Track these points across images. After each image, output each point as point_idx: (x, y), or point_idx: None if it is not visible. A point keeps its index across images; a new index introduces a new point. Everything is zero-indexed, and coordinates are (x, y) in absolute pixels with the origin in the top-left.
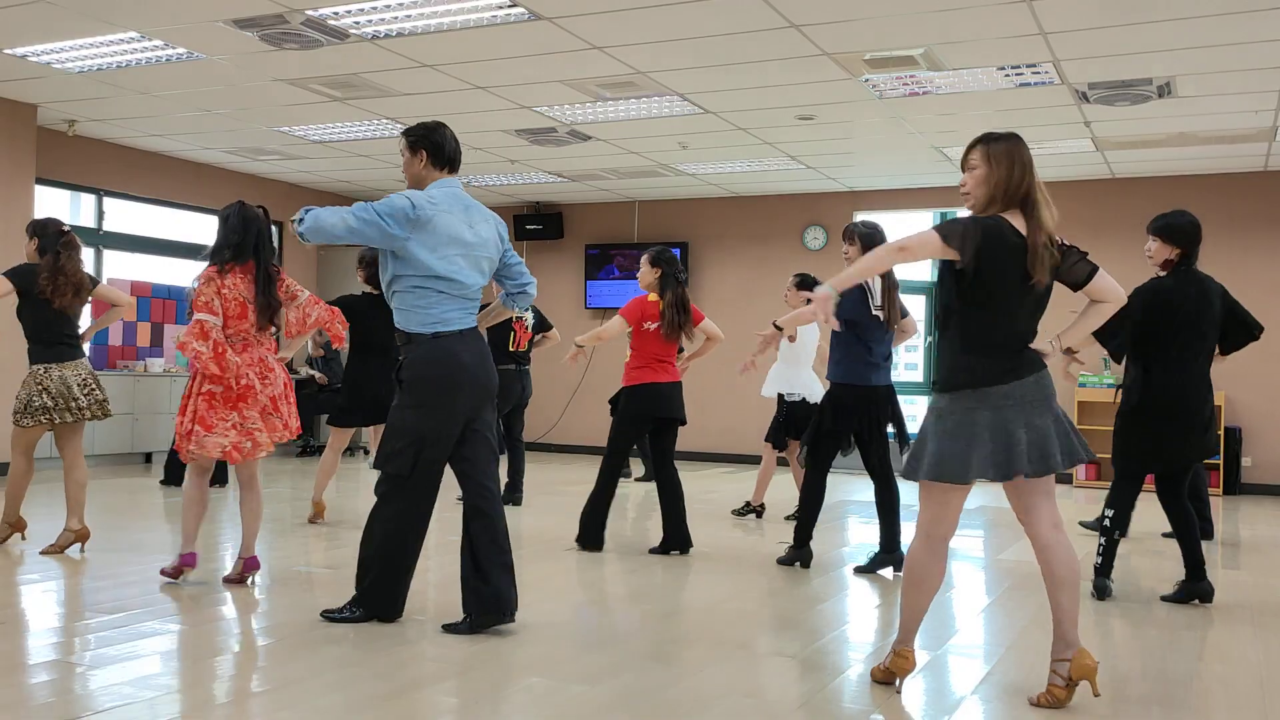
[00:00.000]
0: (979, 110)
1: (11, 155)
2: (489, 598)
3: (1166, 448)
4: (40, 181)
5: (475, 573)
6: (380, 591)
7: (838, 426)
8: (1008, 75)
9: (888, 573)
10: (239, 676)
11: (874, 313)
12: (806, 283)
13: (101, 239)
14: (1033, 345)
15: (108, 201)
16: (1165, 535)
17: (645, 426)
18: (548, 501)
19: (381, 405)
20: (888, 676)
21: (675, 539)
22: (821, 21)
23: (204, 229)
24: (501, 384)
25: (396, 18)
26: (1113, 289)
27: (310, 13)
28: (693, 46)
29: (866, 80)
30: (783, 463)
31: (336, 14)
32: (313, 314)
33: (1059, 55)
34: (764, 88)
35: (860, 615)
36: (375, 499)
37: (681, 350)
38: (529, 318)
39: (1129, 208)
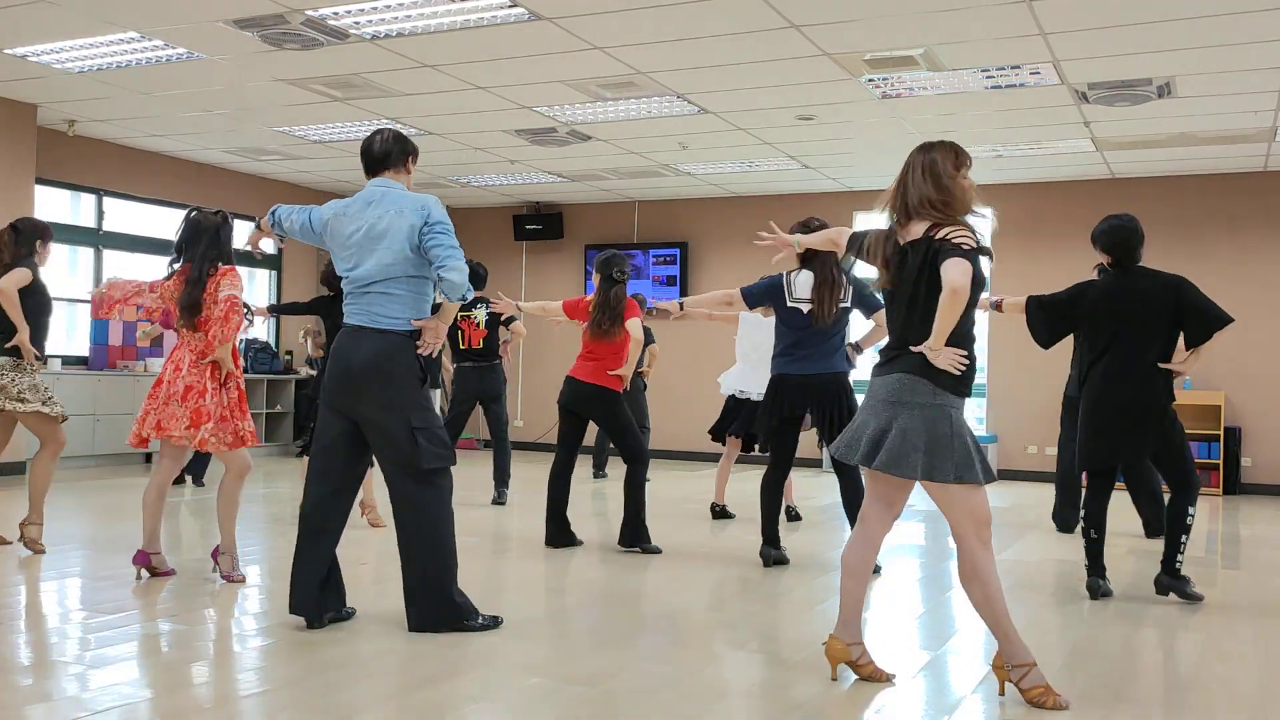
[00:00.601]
0: (979, 110)
1: (11, 155)
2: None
3: (1101, 445)
4: (40, 181)
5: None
6: None
7: (768, 416)
8: (1007, 75)
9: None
10: (239, 676)
11: (790, 304)
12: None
13: (101, 239)
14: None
15: (108, 201)
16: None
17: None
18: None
19: None
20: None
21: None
22: (821, 21)
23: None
24: (459, 381)
25: (396, 18)
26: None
27: (310, 13)
28: (693, 46)
29: (866, 80)
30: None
31: (336, 14)
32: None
33: (1059, 55)
34: (764, 88)
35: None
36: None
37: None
38: (478, 314)
39: (1129, 208)
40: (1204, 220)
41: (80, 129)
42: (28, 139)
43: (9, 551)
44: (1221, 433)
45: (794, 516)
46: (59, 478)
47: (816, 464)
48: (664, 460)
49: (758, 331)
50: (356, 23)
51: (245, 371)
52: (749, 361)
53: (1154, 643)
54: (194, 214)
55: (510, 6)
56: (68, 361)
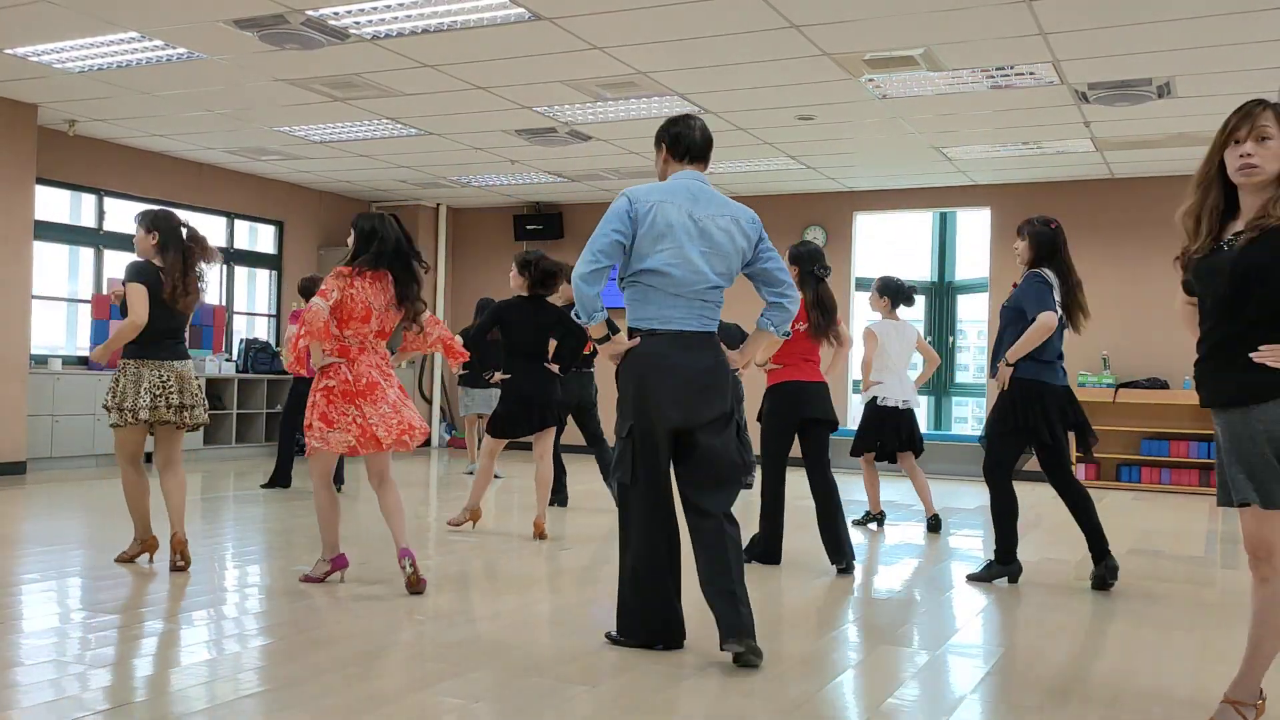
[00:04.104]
0: (979, 110)
1: (12, 155)
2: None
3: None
4: (41, 181)
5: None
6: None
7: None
8: (1007, 75)
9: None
10: (239, 677)
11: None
12: (890, 287)
13: (102, 239)
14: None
15: (108, 201)
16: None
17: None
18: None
19: (543, 412)
20: None
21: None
22: (821, 21)
23: (205, 229)
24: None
25: (396, 18)
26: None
27: (310, 13)
28: (693, 46)
29: (866, 80)
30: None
31: (336, 14)
32: (433, 333)
33: (1059, 55)
34: (764, 88)
35: (860, 615)
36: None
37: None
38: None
39: (1129, 208)
40: None
41: (80, 129)
42: (28, 139)
43: (9, 551)
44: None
45: (933, 526)
46: (59, 477)
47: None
48: None
49: (897, 341)
50: (356, 23)
51: (245, 370)
52: (893, 371)
53: (1154, 643)
54: (383, 219)
55: (510, 6)
56: (67, 361)
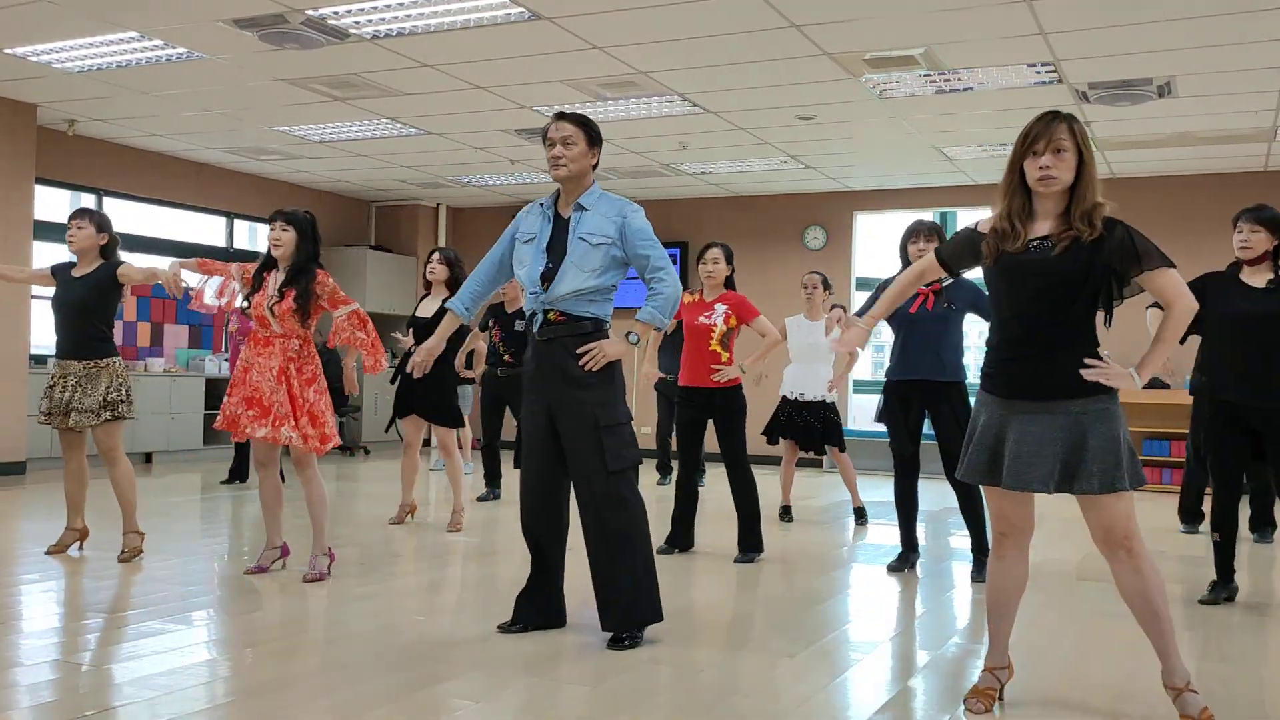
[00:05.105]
0: (979, 110)
1: (11, 155)
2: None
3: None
4: (40, 181)
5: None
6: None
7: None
8: (1008, 75)
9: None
10: (239, 676)
11: None
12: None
13: None
14: None
15: (108, 201)
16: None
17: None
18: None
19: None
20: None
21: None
22: (821, 21)
23: (204, 229)
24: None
25: (396, 18)
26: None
27: (310, 13)
28: (693, 46)
29: (866, 80)
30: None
31: (336, 14)
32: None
33: (1059, 55)
34: (764, 88)
35: (860, 615)
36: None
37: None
38: None
39: (1129, 208)
40: (1204, 220)
41: (80, 129)
42: (28, 139)
43: (9, 551)
44: None
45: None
46: (59, 477)
47: (816, 464)
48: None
49: (807, 334)
50: (356, 22)
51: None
52: (798, 364)
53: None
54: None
55: (510, 6)
56: None
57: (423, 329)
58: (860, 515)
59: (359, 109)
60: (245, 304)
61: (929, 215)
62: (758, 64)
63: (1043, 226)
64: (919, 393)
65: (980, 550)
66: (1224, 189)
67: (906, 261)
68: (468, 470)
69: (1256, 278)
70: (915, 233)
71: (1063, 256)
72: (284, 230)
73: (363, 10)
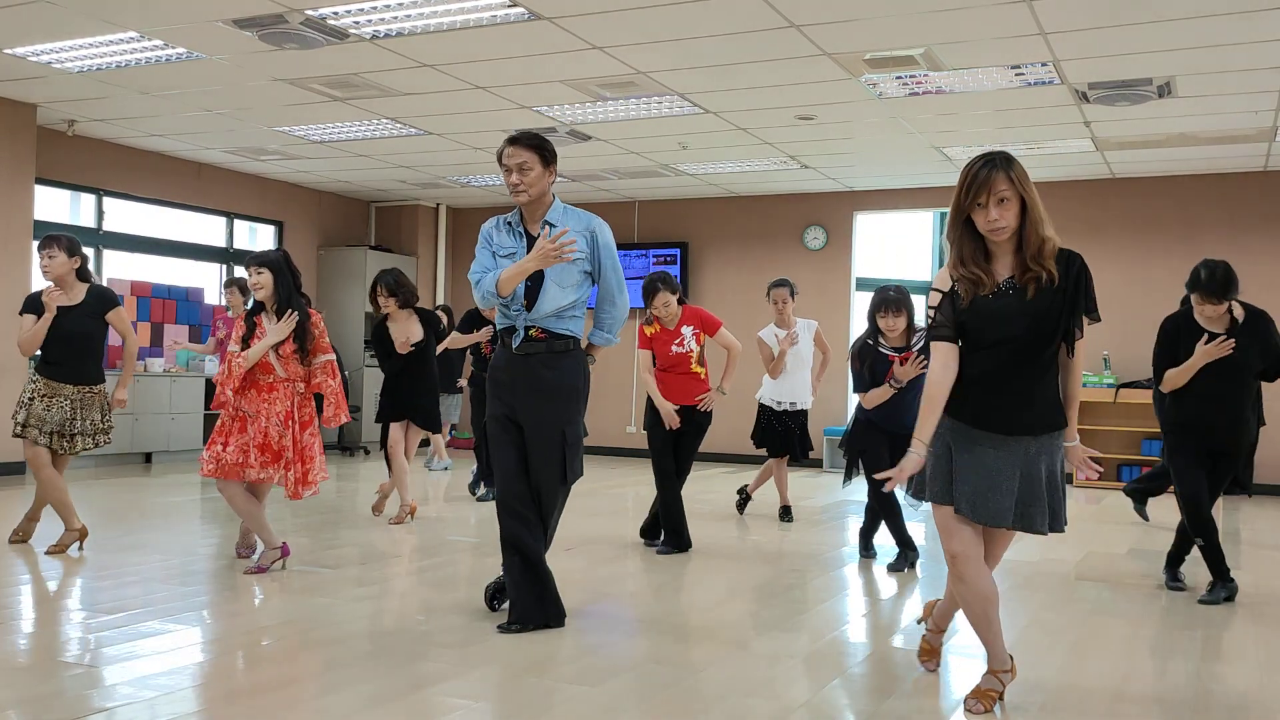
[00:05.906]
0: (979, 110)
1: (11, 155)
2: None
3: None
4: (40, 181)
5: None
6: None
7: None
8: (1008, 75)
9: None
10: (239, 676)
11: None
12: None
13: (101, 239)
14: None
15: (108, 201)
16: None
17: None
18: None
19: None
20: None
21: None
22: (821, 21)
23: (204, 229)
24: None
25: (396, 18)
26: None
27: (310, 13)
28: (693, 46)
29: (866, 80)
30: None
31: (336, 14)
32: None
33: (1059, 55)
34: (764, 88)
35: (861, 615)
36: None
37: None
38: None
39: (1129, 208)
40: (1204, 220)
41: (80, 129)
42: (28, 139)
43: (9, 551)
44: None
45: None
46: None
47: (816, 464)
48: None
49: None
50: (356, 23)
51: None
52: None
53: (1153, 642)
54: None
55: (510, 6)
56: None
57: (398, 357)
58: (786, 513)
59: (359, 109)
60: (236, 347)
61: (929, 215)
62: (758, 64)
63: (1003, 266)
64: (903, 440)
65: (905, 544)
66: (1224, 189)
67: (875, 329)
68: (447, 466)
69: (1215, 324)
70: (883, 305)
71: (1037, 299)
72: (259, 274)
73: (362, 10)
